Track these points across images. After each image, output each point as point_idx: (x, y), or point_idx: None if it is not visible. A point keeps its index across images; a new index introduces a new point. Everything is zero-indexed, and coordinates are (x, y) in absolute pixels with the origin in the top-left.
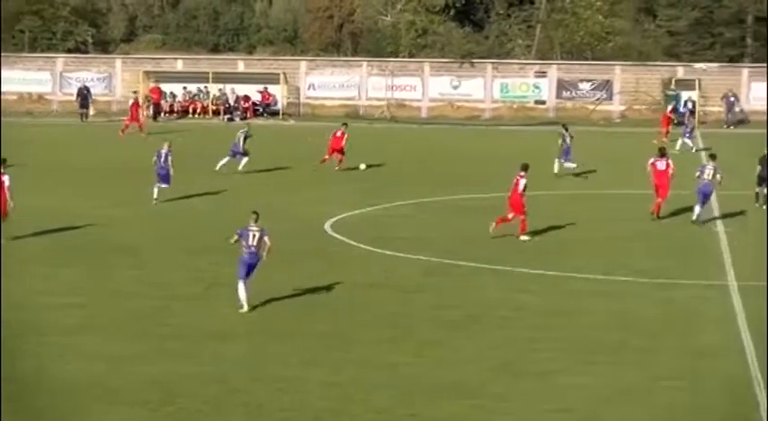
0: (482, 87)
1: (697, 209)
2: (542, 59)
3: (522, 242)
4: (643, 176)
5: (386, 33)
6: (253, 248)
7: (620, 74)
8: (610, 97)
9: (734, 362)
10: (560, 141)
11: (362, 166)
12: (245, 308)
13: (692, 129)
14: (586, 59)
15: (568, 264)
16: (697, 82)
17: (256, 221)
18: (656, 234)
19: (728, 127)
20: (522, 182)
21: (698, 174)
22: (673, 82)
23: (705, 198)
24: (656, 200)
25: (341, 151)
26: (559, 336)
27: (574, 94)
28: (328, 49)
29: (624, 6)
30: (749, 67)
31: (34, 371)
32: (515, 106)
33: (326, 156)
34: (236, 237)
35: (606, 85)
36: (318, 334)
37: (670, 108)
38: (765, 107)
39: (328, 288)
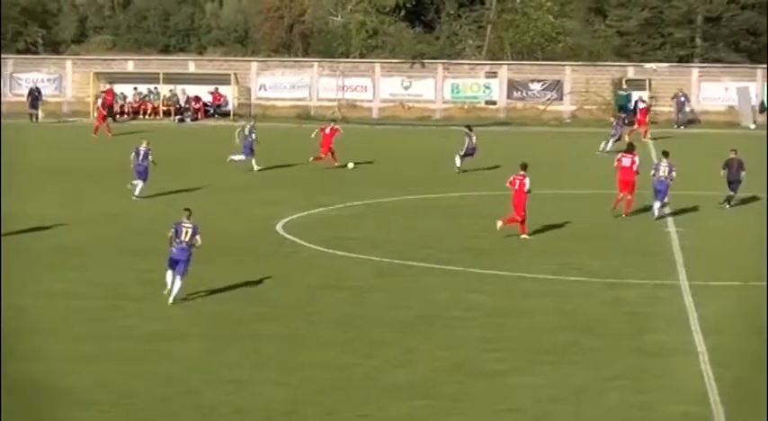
0: (433, 88)
1: (656, 204)
2: (493, 60)
3: (480, 242)
4: (591, 176)
5: (336, 34)
6: (183, 244)
7: (570, 74)
8: (560, 97)
9: (685, 361)
10: (467, 140)
11: (351, 165)
12: (168, 291)
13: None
14: (537, 60)
15: (519, 265)
16: (647, 82)
17: (189, 218)
18: (605, 234)
19: (679, 127)
20: (527, 181)
21: (653, 171)
22: (623, 82)
23: (661, 194)
24: (617, 196)
25: (331, 150)
26: (511, 336)
27: (524, 94)
28: (279, 50)
29: (574, 7)
30: (699, 67)
31: None
32: (466, 107)
33: (322, 155)
34: (171, 232)
35: (557, 86)
36: (270, 335)
37: (645, 106)
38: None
39: (280, 289)
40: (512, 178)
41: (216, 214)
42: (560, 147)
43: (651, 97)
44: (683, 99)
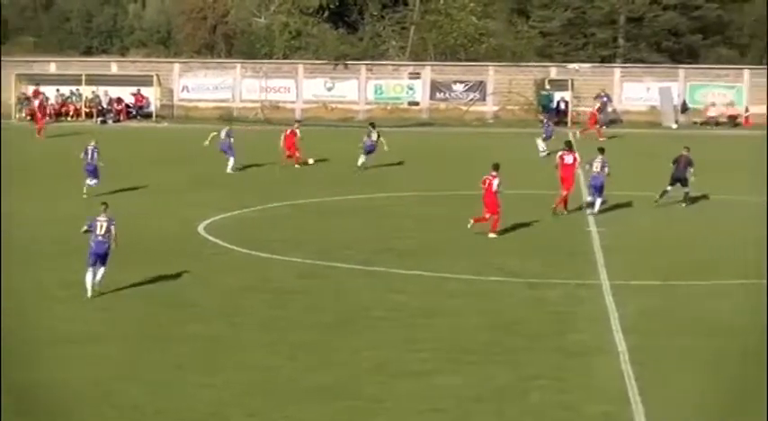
0: (356, 89)
1: (592, 200)
2: (416, 61)
3: (403, 243)
4: (513, 176)
5: (260, 35)
6: (100, 237)
7: (493, 75)
8: (483, 98)
9: (606, 360)
10: (365, 138)
11: (311, 161)
12: (90, 294)
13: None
14: (460, 61)
15: (441, 265)
16: (570, 82)
17: (105, 211)
18: (527, 234)
19: (601, 127)
20: (496, 181)
21: (587, 167)
22: (546, 82)
23: (597, 190)
24: (561, 194)
25: (293, 149)
26: (433, 337)
27: (447, 95)
28: (202, 51)
29: (497, 8)
30: (621, 67)
31: None
32: (389, 107)
33: (290, 154)
34: (86, 227)
35: (479, 86)
36: (192, 336)
37: (597, 106)
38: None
39: (201, 291)
40: (483, 178)
41: (139, 215)
42: (483, 148)
43: (574, 97)
44: (605, 99)
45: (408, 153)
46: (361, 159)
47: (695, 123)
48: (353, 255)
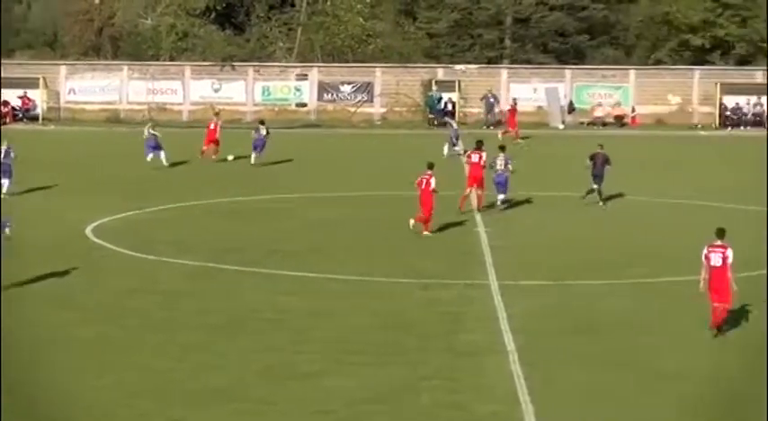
0: (243, 90)
1: (500, 197)
2: (303, 62)
3: (291, 245)
4: (402, 177)
5: (146, 37)
6: None
7: (380, 76)
8: (370, 99)
9: (496, 361)
10: (254, 134)
11: (230, 157)
12: None
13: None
14: (347, 62)
15: (330, 266)
16: (457, 83)
17: None
18: (416, 234)
19: (488, 127)
20: (433, 181)
21: (490, 165)
22: (433, 83)
23: (503, 187)
24: (464, 193)
25: (216, 142)
26: (322, 338)
27: (335, 96)
28: (88, 53)
29: (384, 9)
30: (508, 68)
31: None
32: (277, 109)
33: (204, 148)
34: None
35: (367, 87)
36: (81, 339)
37: (512, 105)
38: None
39: (89, 293)
40: (419, 178)
41: (25, 219)
42: (371, 149)
43: (461, 98)
44: (492, 100)
45: (297, 155)
46: (253, 156)
47: (582, 124)
48: (242, 256)
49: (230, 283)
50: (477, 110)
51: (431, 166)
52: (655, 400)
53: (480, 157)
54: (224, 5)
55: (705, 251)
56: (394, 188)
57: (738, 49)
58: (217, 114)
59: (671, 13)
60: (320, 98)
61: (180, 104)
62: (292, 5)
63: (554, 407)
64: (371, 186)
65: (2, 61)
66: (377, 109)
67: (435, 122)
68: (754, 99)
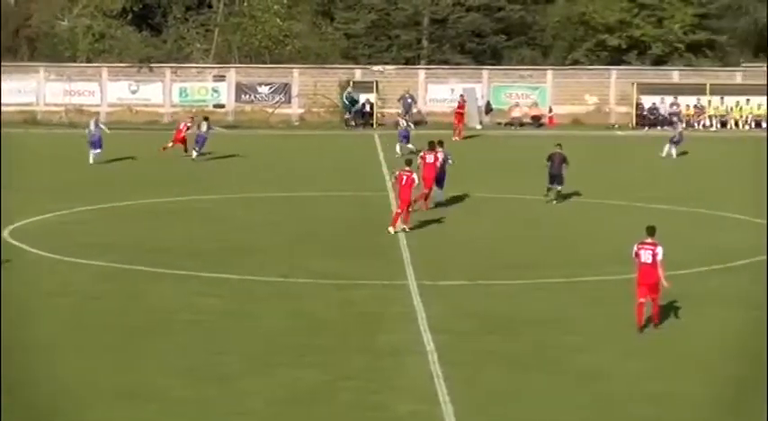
0: (161, 92)
1: (437, 193)
2: (221, 63)
3: (211, 246)
4: (321, 178)
5: (63, 38)
6: None
7: (298, 77)
8: (288, 100)
9: (415, 360)
10: (196, 129)
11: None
12: None
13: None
14: (265, 63)
15: (250, 268)
16: (375, 84)
17: None
18: (334, 235)
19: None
20: (415, 176)
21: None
22: (350, 84)
23: (438, 182)
24: (423, 191)
25: (183, 141)
26: (242, 340)
27: (252, 97)
28: (4, 55)
29: (301, 9)
30: (425, 68)
31: None
32: (194, 110)
33: (170, 144)
34: None
35: (284, 88)
36: None
37: (458, 105)
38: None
39: (4, 297)
40: (398, 173)
41: None
42: (290, 149)
43: (379, 99)
44: (409, 100)
45: (215, 156)
46: (194, 153)
47: (499, 124)
48: (161, 258)
49: (147, 285)
50: (395, 110)
51: (409, 163)
52: (574, 400)
53: (435, 158)
54: (141, 7)
55: (635, 248)
56: (314, 189)
57: (655, 50)
58: (192, 118)
59: (587, 14)
60: (238, 99)
61: (97, 106)
62: (209, 7)
63: (474, 407)
64: (291, 187)
65: (2, 62)
66: (295, 110)
67: (353, 123)
68: (670, 99)
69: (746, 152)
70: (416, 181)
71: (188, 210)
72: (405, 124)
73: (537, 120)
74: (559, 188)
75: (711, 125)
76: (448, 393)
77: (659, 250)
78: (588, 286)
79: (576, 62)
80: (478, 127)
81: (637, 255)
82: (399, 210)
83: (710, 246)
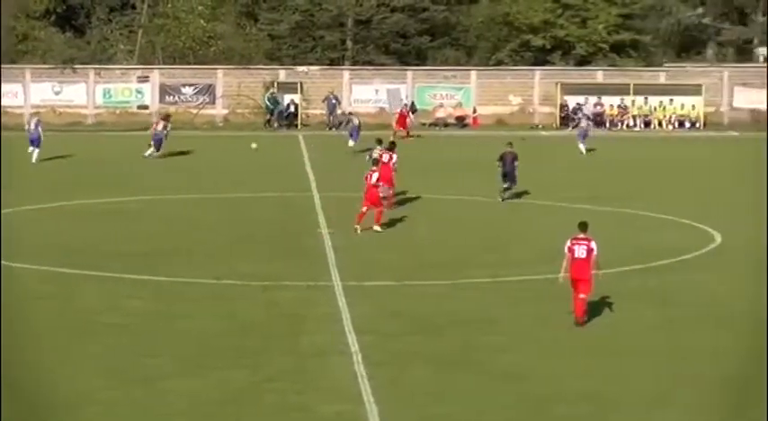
0: (84, 93)
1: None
2: (145, 64)
3: (138, 247)
4: (246, 179)
5: None
6: None
7: (222, 78)
8: (212, 101)
9: (340, 361)
10: (152, 128)
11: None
12: None
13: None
14: (189, 64)
15: (178, 269)
16: (299, 85)
17: None
18: (261, 236)
19: (331, 129)
20: (375, 175)
21: (367, 157)
22: (275, 85)
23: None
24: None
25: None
26: (169, 342)
27: (177, 98)
28: None
29: (226, 10)
30: (350, 69)
31: None
32: (118, 112)
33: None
34: None
35: (209, 89)
36: None
37: (402, 108)
38: (366, 109)
39: None
40: (366, 173)
41: None
42: (214, 150)
43: (304, 100)
44: (333, 101)
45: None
46: (150, 150)
47: (424, 125)
48: (87, 259)
49: (74, 287)
50: (319, 111)
51: (375, 163)
52: (499, 400)
53: (390, 158)
54: (64, 8)
55: (569, 243)
56: (240, 190)
57: (579, 50)
58: (165, 118)
59: (512, 14)
60: (162, 100)
61: (21, 107)
62: (133, 8)
63: (398, 407)
64: (218, 189)
65: (1, 64)
66: (219, 111)
67: (275, 125)
68: (593, 99)
69: (670, 152)
70: (374, 178)
71: (118, 211)
72: (356, 121)
73: (461, 121)
74: (512, 186)
75: (635, 125)
76: (372, 393)
77: (593, 245)
78: (514, 286)
79: (500, 63)
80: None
81: (570, 250)
82: (377, 208)
83: (633, 245)
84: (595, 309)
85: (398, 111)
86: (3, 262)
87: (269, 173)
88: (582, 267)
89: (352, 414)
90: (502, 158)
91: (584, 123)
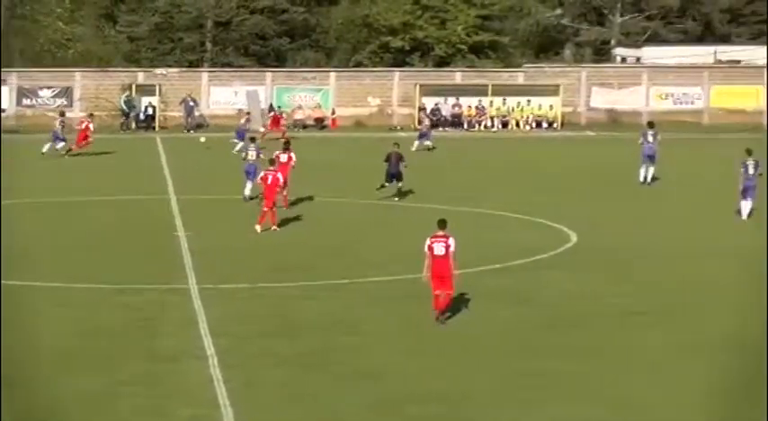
0: None
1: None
2: (2, 67)
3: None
4: (102, 182)
5: None
6: None
7: (80, 80)
8: (71, 104)
9: (195, 365)
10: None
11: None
12: None
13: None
14: (47, 66)
15: (31, 274)
16: (157, 87)
17: None
18: (115, 239)
19: (189, 131)
20: (271, 176)
21: (243, 155)
22: (132, 87)
23: (251, 175)
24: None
25: (86, 139)
26: (18, 347)
27: (34, 101)
28: None
29: (85, 13)
30: (209, 71)
31: None
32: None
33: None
34: None
35: (67, 92)
36: None
37: (275, 113)
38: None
39: None
40: (263, 174)
41: None
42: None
43: (162, 102)
44: (191, 104)
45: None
46: (54, 145)
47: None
48: None
49: None
50: (177, 113)
51: (272, 162)
52: (357, 400)
53: (290, 158)
54: None
55: (428, 242)
56: (95, 193)
57: (438, 51)
58: (90, 116)
59: (371, 16)
60: (19, 103)
61: None
62: None
63: (254, 410)
64: (72, 192)
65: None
66: (77, 114)
67: (132, 127)
68: (452, 100)
69: (527, 152)
70: (281, 180)
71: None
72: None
73: (320, 122)
74: (400, 185)
75: (493, 126)
76: (228, 396)
77: (452, 242)
78: (371, 286)
79: (359, 64)
80: (262, 129)
81: (430, 248)
82: (266, 209)
83: (490, 245)
84: (452, 308)
85: (272, 114)
86: None
87: (125, 176)
88: (442, 265)
89: (208, 417)
90: (388, 159)
91: (426, 122)
